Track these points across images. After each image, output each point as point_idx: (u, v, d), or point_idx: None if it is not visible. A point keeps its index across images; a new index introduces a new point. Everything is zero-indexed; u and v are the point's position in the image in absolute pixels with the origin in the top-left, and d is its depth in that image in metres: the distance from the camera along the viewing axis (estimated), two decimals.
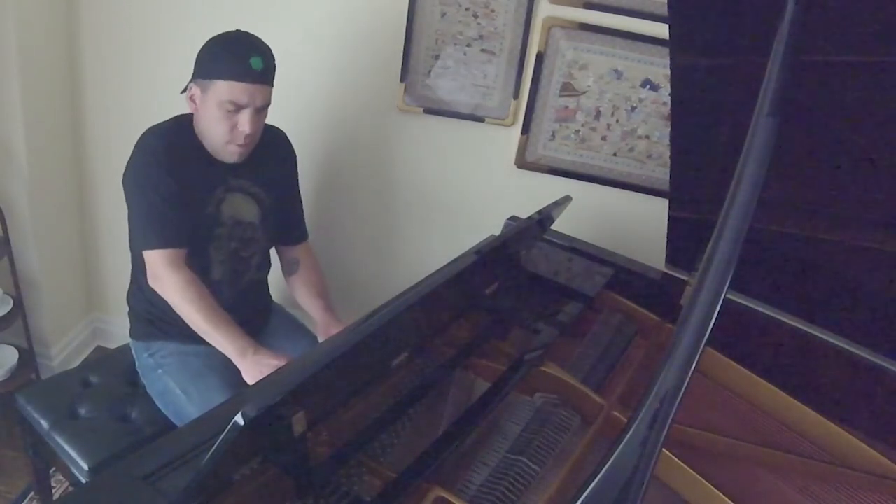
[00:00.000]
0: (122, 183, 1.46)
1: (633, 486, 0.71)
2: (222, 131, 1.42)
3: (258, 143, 1.52)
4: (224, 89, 1.38)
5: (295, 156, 1.68)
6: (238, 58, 1.38)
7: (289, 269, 1.69)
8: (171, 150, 1.42)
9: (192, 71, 1.44)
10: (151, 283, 1.45)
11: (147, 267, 1.45)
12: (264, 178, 1.56)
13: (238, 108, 1.40)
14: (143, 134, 1.45)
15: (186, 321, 1.41)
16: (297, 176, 1.69)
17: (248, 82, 1.38)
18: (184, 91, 1.49)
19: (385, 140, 1.99)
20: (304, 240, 1.71)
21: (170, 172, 1.41)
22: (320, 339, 1.55)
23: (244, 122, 1.41)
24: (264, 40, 1.45)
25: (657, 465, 0.73)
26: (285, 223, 1.66)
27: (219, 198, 1.49)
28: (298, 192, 1.70)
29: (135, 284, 1.59)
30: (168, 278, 1.41)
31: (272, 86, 1.45)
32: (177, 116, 1.51)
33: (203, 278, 1.47)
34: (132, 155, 1.45)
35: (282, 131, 1.66)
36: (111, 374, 1.63)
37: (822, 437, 1.22)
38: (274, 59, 1.45)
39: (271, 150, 1.59)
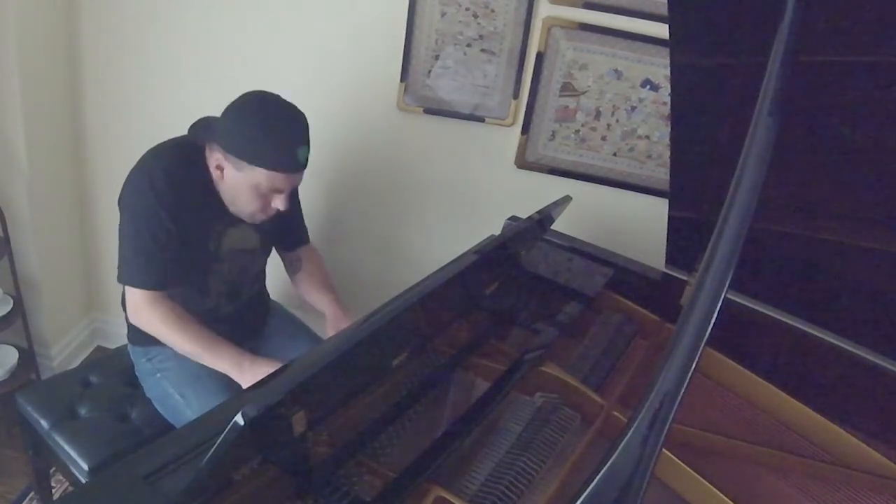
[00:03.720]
0: (118, 203, 1.41)
1: (633, 486, 0.71)
2: (252, 208, 1.38)
3: None
4: (264, 177, 1.32)
5: None
6: (285, 150, 1.31)
7: (292, 268, 1.68)
8: (172, 181, 1.35)
9: (212, 97, 1.37)
10: (131, 317, 1.42)
11: (126, 298, 1.42)
12: None
13: (277, 192, 1.37)
14: (146, 156, 1.39)
15: (174, 348, 1.39)
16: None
17: (292, 173, 1.34)
18: (193, 127, 1.42)
19: (385, 140, 1.99)
20: (304, 243, 1.70)
21: (168, 209, 1.35)
22: (330, 333, 1.52)
23: (280, 202, 1.37)
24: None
25: (657, 465, 0.73)
26: (284, 232, 1.64)
27: (219, 232, 1.46)
28: (297, 199, 1.66)
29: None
30: (147, 315, 1.39)
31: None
32: (181, 141, 1.42)
33: (199, 301, 1.47)
34: (132, 176, 1.38)
35: None
36: (111, 374, 1.63)
37: (822, 437, 1.22)
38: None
39: None
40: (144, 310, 1.39)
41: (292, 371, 1.18)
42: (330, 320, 1.56)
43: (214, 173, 1.39)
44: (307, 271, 1.66)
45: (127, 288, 1.42)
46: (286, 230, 1.65)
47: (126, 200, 1.39)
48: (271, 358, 1.39)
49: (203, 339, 1.38)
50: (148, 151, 1.40)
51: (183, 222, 1.38)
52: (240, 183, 1.35)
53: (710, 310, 0.79)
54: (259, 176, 1.32)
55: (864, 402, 1.29)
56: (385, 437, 1.06)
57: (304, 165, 1.36)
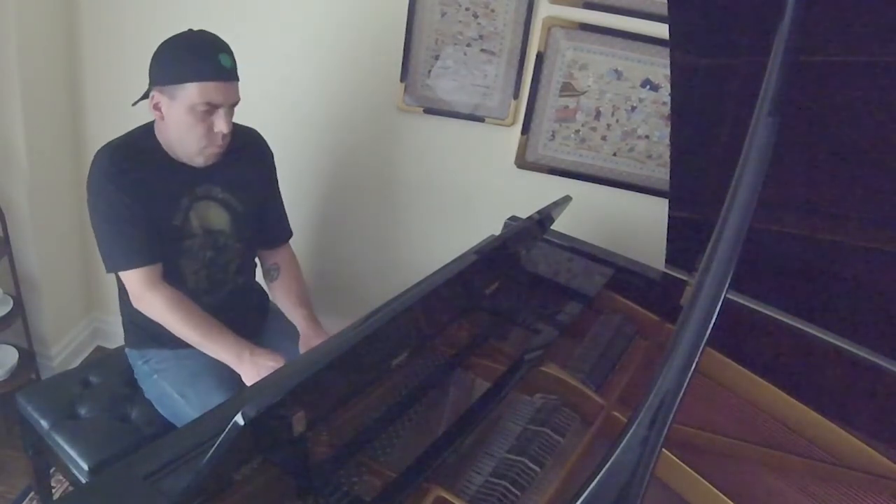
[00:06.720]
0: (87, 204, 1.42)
1: (633, 486, 0.71)
2: (198, 136, 1.37)
3: (227, 147, 1.46)
4: (196, 92, 1.32)
5: (272, 155, 1.61)
6: (206, 57, 1.33)
7: (269, 276, 1.64)
8: (125, 165, 1.36)
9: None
10: (135, 303, 1.42)
11: (127, 287, 1.42)
12: (234, 183, 1.50)
13: (212, 108, 1.35)
14: (97, 152, 1.39)
15: (178, 335, 1.39)
16: (275, 176, 1.63)
17: (220, 80, 1.33)
18: (137, 102, 1.44)
19: (385, 140, 1.99)
20: (285, 241, 1.66)
21: (124, 189, 1.35)
22: (301, 351, 1.49)
23: (220, 122, 1.36)
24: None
25: (657, 465, 0.73)
26: (263, 226, 1.61)
27: (185, 207, 1.44)
28: (277, 192, 1.64)
29: (121, 296, 1.58)
30: (150, 298, 1.39)
31: (239, 81, 1.40)
32: (139, 127, 1.45)
33: (177, 286, 1.44)
34: (88, 175, 1.39)
35: (255, 131, 1.59)
36: (111, 374, 1.63)
37: (822, 437, 1.22)
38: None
39: (242, 152, 1.51)
40: (146, 294, 1.39)
41: (292, 371, 1.18)
42: (303, 337, 1.52)
43: (155, 115, 1.39)
44: (284, 284, 1.62)
45: (124, 278, 1.41)
46: (265, 222, 1.60)
47: (88, 196, 1.40)
48: (272, 353, 1.38)
49: (205, 326, 1.38)
50: (99, 148, 1.41)
51: (142, 197, 1.38)
52: (178, 113, 1.35)
53: (710, 310, 0.79)
54: (190, 94, 1.32)
55: (864, 402, 1.29)
56: (385, 437, 1.06)
57: (231, 73, 1.36)
